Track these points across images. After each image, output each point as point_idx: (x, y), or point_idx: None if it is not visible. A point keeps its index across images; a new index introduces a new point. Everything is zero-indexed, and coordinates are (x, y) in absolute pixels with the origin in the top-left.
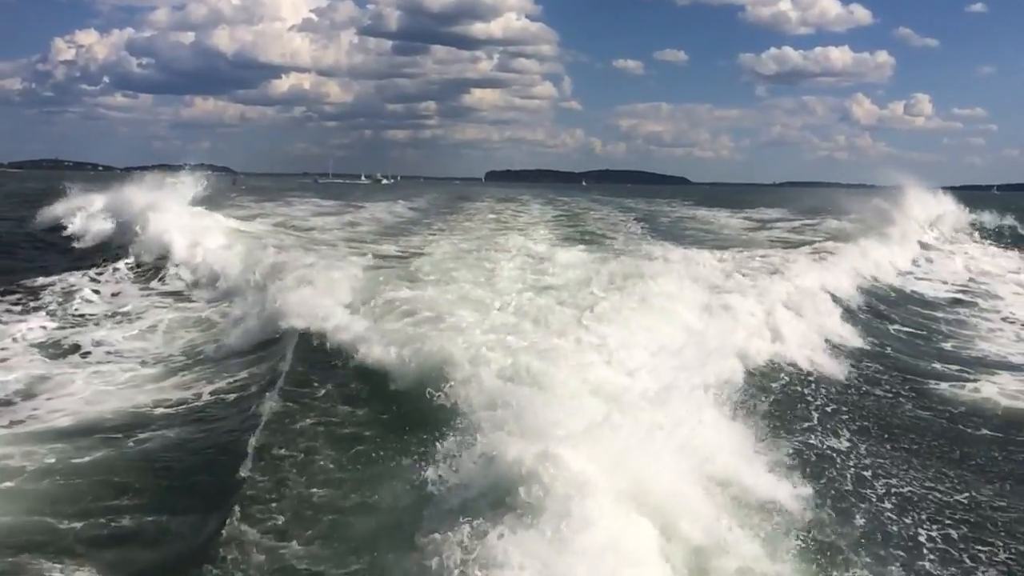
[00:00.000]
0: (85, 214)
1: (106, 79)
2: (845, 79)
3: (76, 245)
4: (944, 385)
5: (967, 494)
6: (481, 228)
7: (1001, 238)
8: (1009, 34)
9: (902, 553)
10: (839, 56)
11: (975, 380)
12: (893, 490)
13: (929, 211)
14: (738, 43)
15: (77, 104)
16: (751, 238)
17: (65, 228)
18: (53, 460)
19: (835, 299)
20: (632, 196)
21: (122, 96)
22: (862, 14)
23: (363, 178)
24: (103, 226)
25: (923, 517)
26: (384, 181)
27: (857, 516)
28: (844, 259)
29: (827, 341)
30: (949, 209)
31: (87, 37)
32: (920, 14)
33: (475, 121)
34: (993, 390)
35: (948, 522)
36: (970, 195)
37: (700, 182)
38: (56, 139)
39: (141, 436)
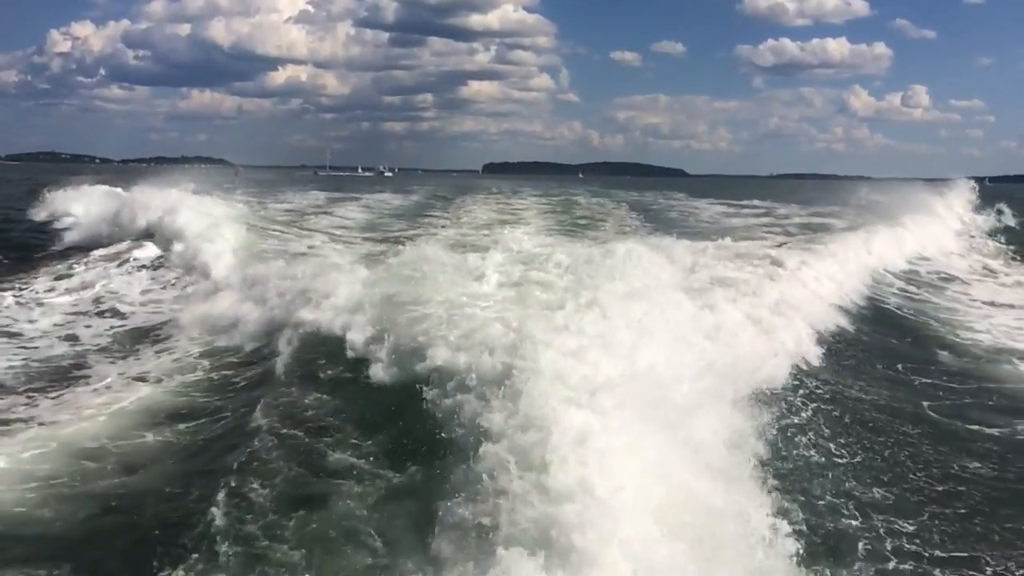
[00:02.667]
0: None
1: (102, 71)
2: (843, 71)
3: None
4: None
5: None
6: (479, 218)
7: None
8: (1007, 26)
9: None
10: (836, 48)
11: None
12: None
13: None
14: (736, 35)
15: (73, 96)
16: (729, 225)
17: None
18: None
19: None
20: (626, 188)
21: (118, 88)
22: (859, 5)
23: (360, 170)
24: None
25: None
26: (387, 174)
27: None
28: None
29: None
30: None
31: (83, 29)
32: (917, 5)
33: (472, 113)
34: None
35: None
36: None
37: (698, 174)
38: (53, 132)
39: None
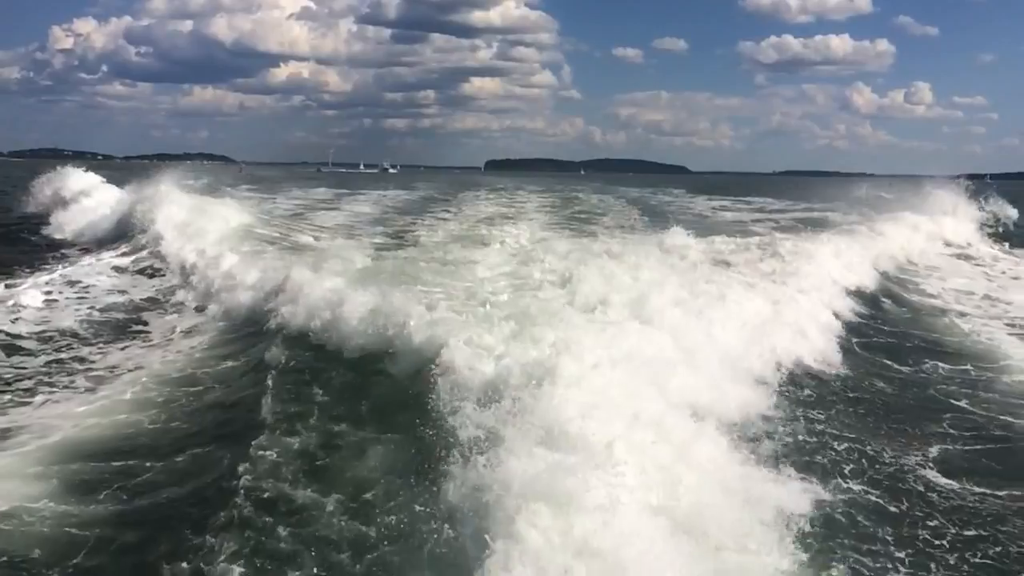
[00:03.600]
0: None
1: (104, 68)
2: (845, 67)
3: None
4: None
5: None
6: (482, 212)
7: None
8: (1009, 22)
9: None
10: (839, 44)
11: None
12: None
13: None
14: (738, 31)
15: (76, 93)
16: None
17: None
18: None
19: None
20: (628, 184)
21: (120, 85)
22: (862, 2)
23: (362, 167)
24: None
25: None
26: (391, 170)
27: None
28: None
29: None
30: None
31: (85, 25)
32: (920, 2)
33: (474, 110)
34: None
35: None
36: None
37: (700, 171)
38: (55, 128)
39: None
